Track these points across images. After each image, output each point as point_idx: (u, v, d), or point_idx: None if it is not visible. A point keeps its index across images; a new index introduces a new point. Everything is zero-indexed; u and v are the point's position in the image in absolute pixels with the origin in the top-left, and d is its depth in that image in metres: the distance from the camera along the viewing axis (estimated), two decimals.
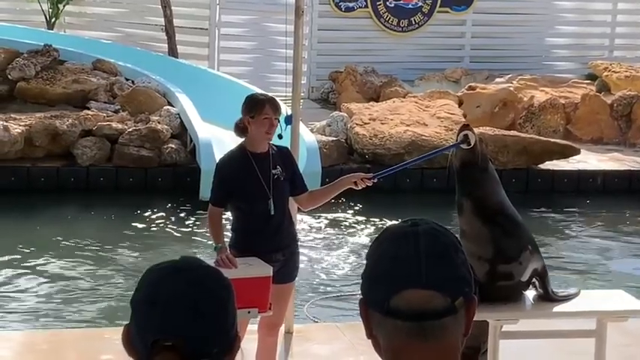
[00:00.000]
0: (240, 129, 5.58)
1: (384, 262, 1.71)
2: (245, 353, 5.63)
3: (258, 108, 5.50)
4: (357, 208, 11.43)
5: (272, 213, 5.49)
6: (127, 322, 1.77)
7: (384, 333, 1.70)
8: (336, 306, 8.52)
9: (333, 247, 10.37)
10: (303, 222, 10.60)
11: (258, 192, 5.48)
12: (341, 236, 10.73)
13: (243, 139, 5.60)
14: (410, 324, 1.67)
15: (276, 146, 5.64)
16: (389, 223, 10.00)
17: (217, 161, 5.83)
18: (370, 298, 1.72)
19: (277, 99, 5.70)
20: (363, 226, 11.05)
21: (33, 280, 9.05)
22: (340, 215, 11.26)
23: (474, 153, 5.43)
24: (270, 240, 5.52)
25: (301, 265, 9.28)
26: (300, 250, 9.68)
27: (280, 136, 5.64)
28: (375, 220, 11.14)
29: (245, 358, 5.69)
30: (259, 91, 10.19)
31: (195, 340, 1.71)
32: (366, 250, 1.79)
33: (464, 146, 5.43)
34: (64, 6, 16.91)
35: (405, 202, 11.61)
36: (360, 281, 1.75)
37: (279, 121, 5.56)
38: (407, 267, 1.68)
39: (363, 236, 10.67)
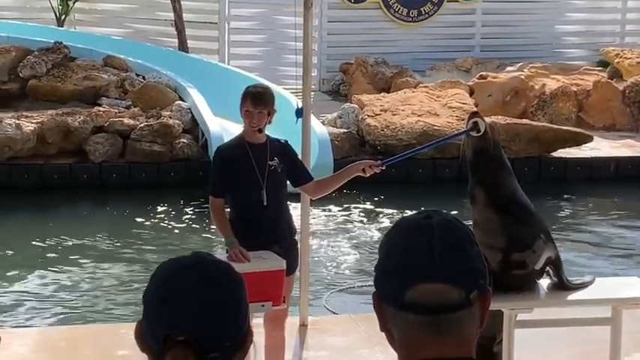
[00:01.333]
0: None
1: (398, 255, 1.70)
2: (257, 347, 5.63)
3: (241, 101, 5.53)
4: (369, 199, 11.43)
5: (265, 204, 5.48)
6: (140, 318, 1.78)
7: (398, 326, 1.69)
8: (353, 298, 8.52)
9: (348, 238, 10.37)
10: (316, 214, 10.60)
11: (252, 181, 5.48)
12: (355, 228, 10.73)
13: (242, 130, 5.63)
14: (425, 318, 1.66)
15: (274, 139, 5.64)
16: (402, 213, 10.00)
17: (214, 150, 5.82)
18: (384, 292, 1.71)
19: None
20: (376, 217, 11.04)
21: (47, 276, 9.08)
22: (353, 207, 11.26)
23: (485, 140, 5.42)
24: (266, 231, 5.51)
25: (316, 258, 9.34)
26: (314, 242, 9.69)
27: (260, 130, 5.54)
28: (388, 211, 11.13)
29: (257, 351, 5.69)
30: (270, 84, 10.20)
31: (208, 335, 1.71)
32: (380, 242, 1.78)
33: (473, 133, 5.41)
34: (73, 3, 16.95)
35: (417, 192, 11.59)
36: (374, 274, 1.75)
37: (267, 115, 5.52)
38: (421, 260, 1.67)
39: (377, 227, 10.66)
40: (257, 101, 5.48)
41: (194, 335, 1.70)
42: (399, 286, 1.67)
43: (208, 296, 1.73)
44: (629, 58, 15.33)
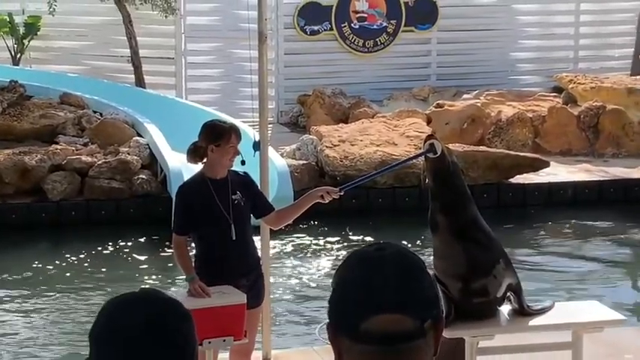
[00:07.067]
0: (200, 155, 5.59)
1: (352, 287, 1.71)
2: None
3: (225, 137, 5.52)
4: (329, 229, 11.42)
5: (234, 238, 5.50)
6: (87, 356, 1.75)
7: (354, 358, 1.70)
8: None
9: (313, 269, 10.35)
10: (278, 246, 10.59)
11: (219, 218, 5.49)
12: (317, 258, 10.71)
13: (203, 166, 5.63)
14: (380, 348, 1.67)
15: (234, 172, 5.65)
16: (363, 243, 10.01)
17: (177, 189, 5.83)
18: (339, 324, 1.71)
19: (242, 125, 5.73)
20: (338, 247, 11.03)
21: (4, 316, 8.97)
22: (313, 238, 11.25)
23: (443, 161, 5.44)
24: (234, 266, 5.53)
25: (280, 289, 9.32)
26: (277, 274, 9.64)
27: (243, 162, 5.63)
28: (349, 240, 11.13)
29: None
30: (228, 118, 10.21)
31: None
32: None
33: (430, 155, 5.43)
34: (29, 41, 16.88)
35: (377, 221, 11.61)
36: (328, 306, 1.75)
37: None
38: (375, 292, 1.68)
39: (339, 258, 10.65)
40: (238, 135, 5.59)
41: None
42: (354, 317, 1.68)
43: (154, 333, 1.70)
44: (583, 84, 15.50)
